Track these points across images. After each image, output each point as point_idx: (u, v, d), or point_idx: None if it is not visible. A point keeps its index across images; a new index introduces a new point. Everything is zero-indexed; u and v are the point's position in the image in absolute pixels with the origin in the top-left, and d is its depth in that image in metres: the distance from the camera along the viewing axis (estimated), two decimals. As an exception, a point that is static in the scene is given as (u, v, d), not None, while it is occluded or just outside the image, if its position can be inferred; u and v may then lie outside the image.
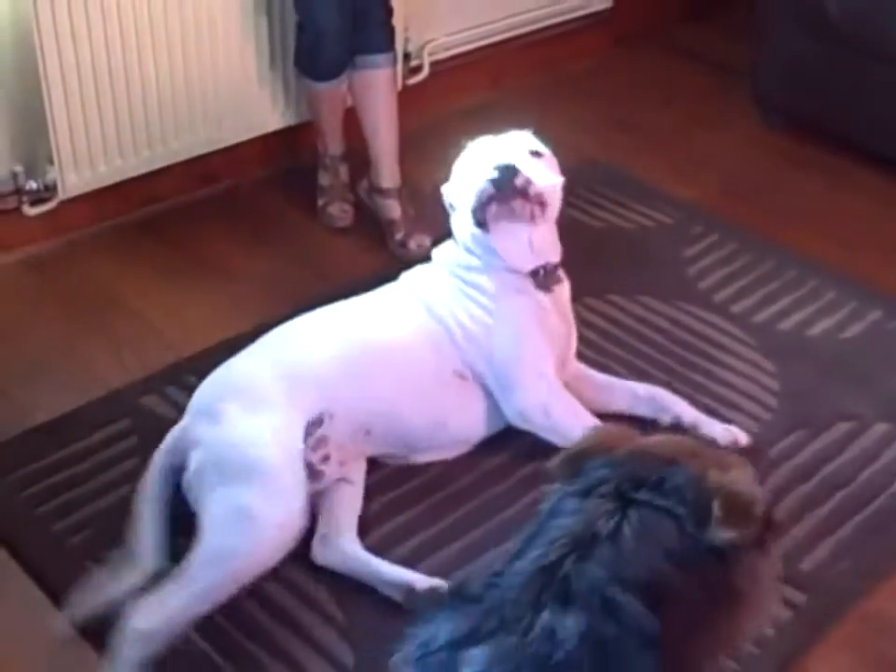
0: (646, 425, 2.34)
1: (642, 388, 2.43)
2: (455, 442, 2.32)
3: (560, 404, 2.28)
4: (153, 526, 2.01)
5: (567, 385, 2.36)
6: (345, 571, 2.05)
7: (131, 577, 1.93)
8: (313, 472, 2.10)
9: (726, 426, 2.36)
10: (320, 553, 2.07)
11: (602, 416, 2.31)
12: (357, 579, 2.04)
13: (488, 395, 2.31)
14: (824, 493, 2.27)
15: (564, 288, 2.40)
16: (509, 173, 2.22)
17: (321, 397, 2.13)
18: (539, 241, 2.31)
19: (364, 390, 2.18)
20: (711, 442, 2.28)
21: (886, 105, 3.25)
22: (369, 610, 2.00)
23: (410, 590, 1.96)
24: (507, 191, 2.22)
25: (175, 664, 1.88)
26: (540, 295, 2.32)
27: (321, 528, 2.10)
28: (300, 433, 2.08)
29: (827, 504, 2.24)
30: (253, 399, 2.08)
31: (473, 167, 2.30)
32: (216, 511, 1.96)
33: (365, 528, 2.14)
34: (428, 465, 2.30)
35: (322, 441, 2.13)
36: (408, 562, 2.08)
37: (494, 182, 2.22)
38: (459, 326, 2.29)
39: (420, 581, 1.99)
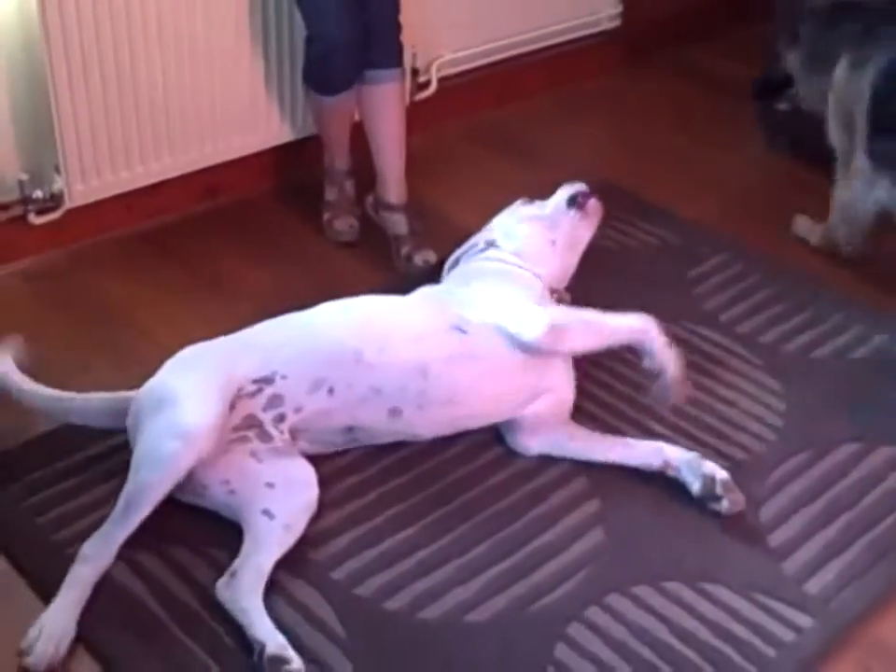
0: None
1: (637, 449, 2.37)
2: (429, 401, 2.26)
3: (563, 316, 2.33)
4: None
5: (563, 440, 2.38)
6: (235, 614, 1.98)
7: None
8: (262, 433, 2.19)
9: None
10: (220, 592, 2.01)
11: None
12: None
13: (484, 357, 2.29)
14: (830, 515, 2.26)
15: None
16: (584, 193, 2.63)
17: (268, 357, 2.22)
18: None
19: (317, 343, 2.26)
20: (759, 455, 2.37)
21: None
22: (371, 628, 1.99)
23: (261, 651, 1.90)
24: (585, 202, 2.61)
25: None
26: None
27: (235, 563, 2.05)
28: (223, 383, 2.16)
29: (833, 526, 2.23)
30: (185, 363, 2.26)
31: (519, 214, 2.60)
32: (139, 446, 2.11)
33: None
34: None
35: (276, 400, 2.21)
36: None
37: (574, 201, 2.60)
38: (456, 293, 2.40)
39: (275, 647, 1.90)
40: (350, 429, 2.28)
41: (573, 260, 2.61)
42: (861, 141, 2.91)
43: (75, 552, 2.06)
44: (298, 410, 2.21)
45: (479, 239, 2.58)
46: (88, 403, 2.32)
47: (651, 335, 2.32)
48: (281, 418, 2.21)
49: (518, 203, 2.66)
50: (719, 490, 2.22)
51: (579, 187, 2.64)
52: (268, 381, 2.20)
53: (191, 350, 2.30)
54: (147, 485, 2.05)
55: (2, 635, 1.98)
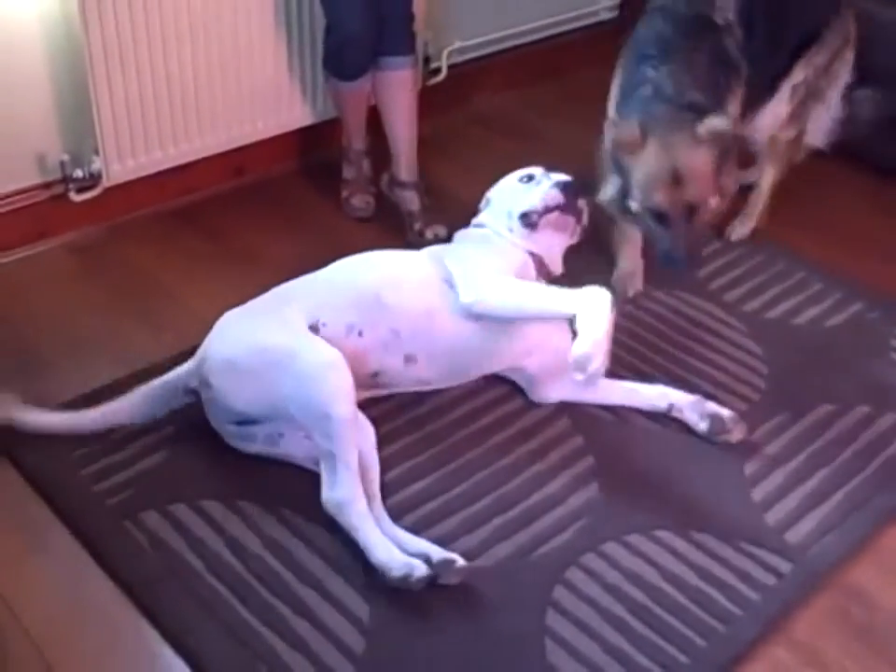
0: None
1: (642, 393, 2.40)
2: (436, 349, 2.29)
3: (492, 285, 2.26)
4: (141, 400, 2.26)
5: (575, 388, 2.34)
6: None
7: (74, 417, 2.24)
8: None
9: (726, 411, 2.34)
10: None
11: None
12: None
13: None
14: (808, 471, 2.25)
15: None
16: (574, 190, 2.39)
17: (309, 308, 2.23)
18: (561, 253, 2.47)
19: (346, 290, 2.28)
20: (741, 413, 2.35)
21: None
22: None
23: (427, 560, 1.96)
24: (570, 206, 2.39)
25: (209, 621, 1.89)
26: None
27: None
28: (301, 326, 2.18)
29: (811, 481, 2.23)
30: (254, 323, 2.22)
31: (520, 183, 2.44)
32: (281, 394, 2.10)
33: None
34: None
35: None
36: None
37: (564, 192, 2.38)
38: (448, 252, 2.38)
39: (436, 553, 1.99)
40: (376, 374, 2.28)
41: (560, 242, 2.46)
42: None
43: (113, 503, 2.07)
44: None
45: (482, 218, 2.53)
46: (130, 401, 2.27)
47: (586, 311, 2.12)
48: None
49: (514, 176, 2.51)
50: (729, 425, 2.29)
51: (555, 196, 2.39)
52: (314, 329, 2.21)
53: (239, 313, 2.28)
54: (342, 417, 2.05)
55: (44, 580, 1.99)
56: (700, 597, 1.97)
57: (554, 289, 2.23)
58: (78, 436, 2.24)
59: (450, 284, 2.30)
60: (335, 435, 2.04)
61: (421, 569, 1.94)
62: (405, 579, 1.93)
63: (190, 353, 2.27)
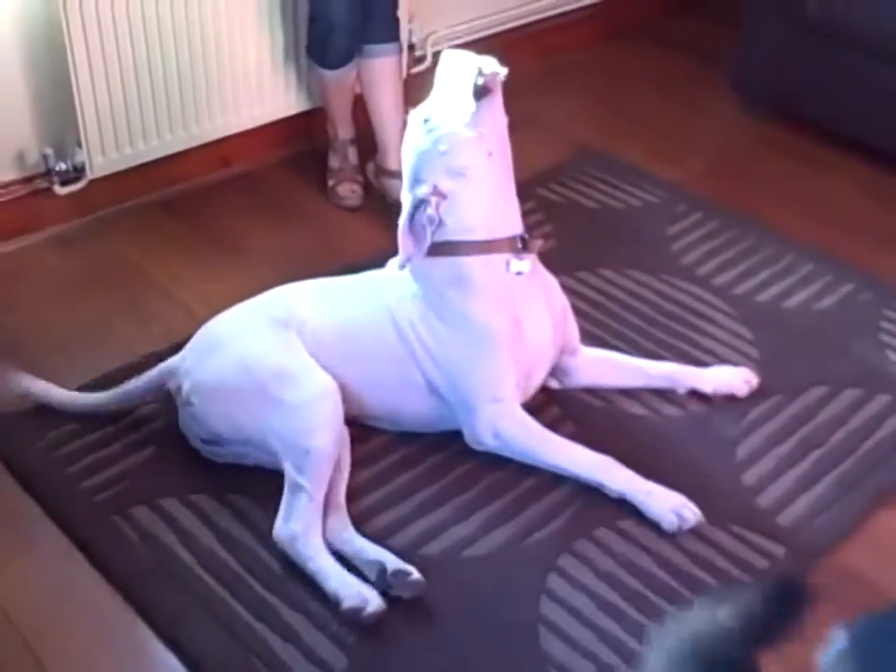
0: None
1: (654, 368, 2.39)
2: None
3: (514, 430, 2.14)
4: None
5: (577, 371, 2.34)
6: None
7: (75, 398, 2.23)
8: None
9: (735, 371, 2.39)
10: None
11: (622, 391, 2.37)
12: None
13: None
14: (800, 453, 2.25)
15: (558, 291, 2.29)
16: (486, 75, 2.07)
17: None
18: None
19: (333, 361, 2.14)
20: (734, 399, 2.36)
21: (858, 91, 3.21)
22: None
23: (382, 570, 1.91)
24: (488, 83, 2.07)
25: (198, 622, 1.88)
26: (517, 283, 2.14)
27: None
28: (295, 339, 2.11)
29: (802, 464, 2.23)
30: (246, 328, 2.15)
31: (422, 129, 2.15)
32: (264, 422, 2.03)
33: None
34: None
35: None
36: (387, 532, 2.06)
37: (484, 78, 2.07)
38: (419, 342, 2.15)
39: (392, 562, 1.93)
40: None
41: (509, 160, 2.17)
42: None
43: (101, 498, 2.06)
44: None
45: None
46: (135, 387, 2.24)
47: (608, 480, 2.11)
48: None
49: (411, 125, 2.18)
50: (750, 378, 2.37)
51: (472, 69, 2.06)
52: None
53: (230, 325, 2.19)
54: (322, 453, 1.99)
55: (33, 575, 1.98)
56: (693, 582, 1.97)
57: (584, 452, 2.14)
58: (66, 433, 2.23)
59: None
60: (310, 470, 1.98)
61: (374, 603, 1.85)
62: (357, 611, 1.85)
63: (180, 345, 2.25)
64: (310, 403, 2.02)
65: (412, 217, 2.11)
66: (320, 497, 1.99)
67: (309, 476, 1.98)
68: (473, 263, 2.13)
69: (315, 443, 1.99)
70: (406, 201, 2.15)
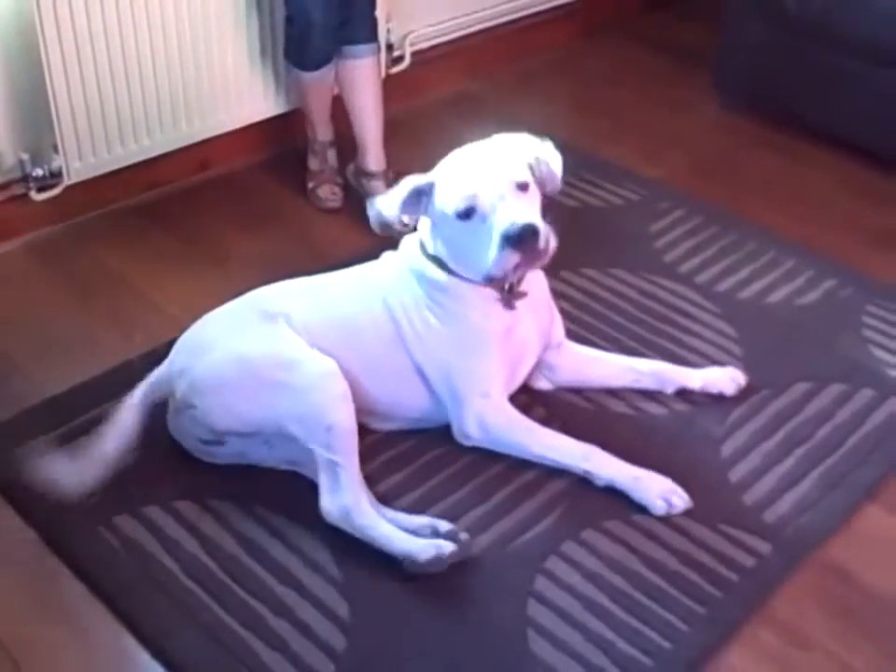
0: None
1: (643, 364, 2.39)
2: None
3: (500, 423, 2.16)
4: (121, 432, 2.10)
5: (563, 367, 2.35)
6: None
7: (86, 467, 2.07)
8: None
9: (723, 370, 2.39)
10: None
11: (607, 392, 2.36)
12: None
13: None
14: (785, 450, 2.25)
15: (541, 285, 2.28)
16: (529, 235, 1.97)
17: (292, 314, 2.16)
18: None
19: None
20: (720, 397, 2.35)
21: (838, 88, 3.22)
22: (366, 568, 1.98)
23: (434, 531, 1.98)
24: (529, 255, 2.01)
25: (182, 620, 1.86)
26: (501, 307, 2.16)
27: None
28: (286, 328, 2.11)
29: (788, 460, 2.23)
30: (236, 324, 2.15)
31: (463, 175, 2.10)
32: (277, 411, 2.03)
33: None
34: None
35: None
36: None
37: (518, 247, 1.98)
38: (411, 327, 2.17)
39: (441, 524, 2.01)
40: None
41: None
42: None
43: (85, 507, 2.04)
44: None
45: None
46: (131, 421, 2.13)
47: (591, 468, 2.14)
48: None
49: (449, 206, 2.06)
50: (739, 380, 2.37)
51: (510, 258, 2.00)
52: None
53: (218, 324, 2.17)
54: (343, 426, 2.02)
55: (16, 592, 1.96)
56: (680, 581, 1.97)
57: (570, 442, 2.16)
58: (44, 444, 2.20)
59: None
60: (337, 444, 2.01)
61: (447, 546, 1.93)
62: (437, 559, 1.92)
63: (162, 351, 2.23)
64: (318, 382, 2.04)
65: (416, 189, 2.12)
66: (356, 468, 2.02)
67: (338, 450, 2.00)
68: (466, 287, 2.15)
69: (334, 418, 2.01)
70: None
